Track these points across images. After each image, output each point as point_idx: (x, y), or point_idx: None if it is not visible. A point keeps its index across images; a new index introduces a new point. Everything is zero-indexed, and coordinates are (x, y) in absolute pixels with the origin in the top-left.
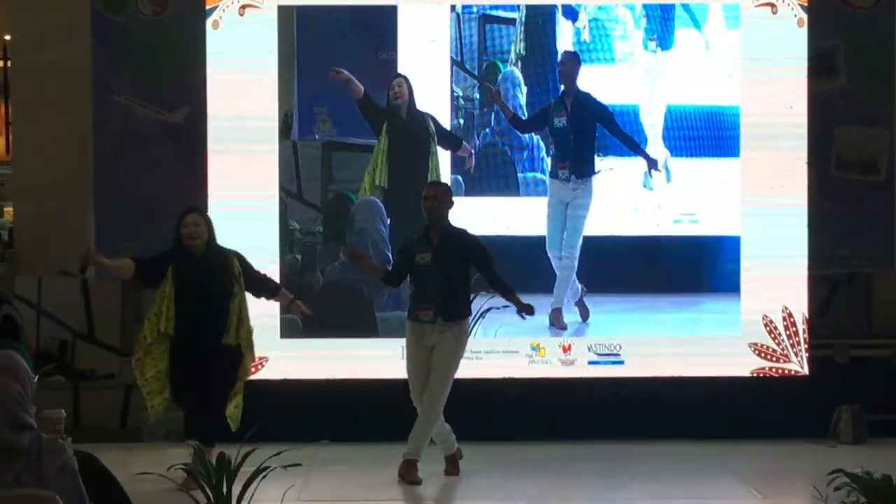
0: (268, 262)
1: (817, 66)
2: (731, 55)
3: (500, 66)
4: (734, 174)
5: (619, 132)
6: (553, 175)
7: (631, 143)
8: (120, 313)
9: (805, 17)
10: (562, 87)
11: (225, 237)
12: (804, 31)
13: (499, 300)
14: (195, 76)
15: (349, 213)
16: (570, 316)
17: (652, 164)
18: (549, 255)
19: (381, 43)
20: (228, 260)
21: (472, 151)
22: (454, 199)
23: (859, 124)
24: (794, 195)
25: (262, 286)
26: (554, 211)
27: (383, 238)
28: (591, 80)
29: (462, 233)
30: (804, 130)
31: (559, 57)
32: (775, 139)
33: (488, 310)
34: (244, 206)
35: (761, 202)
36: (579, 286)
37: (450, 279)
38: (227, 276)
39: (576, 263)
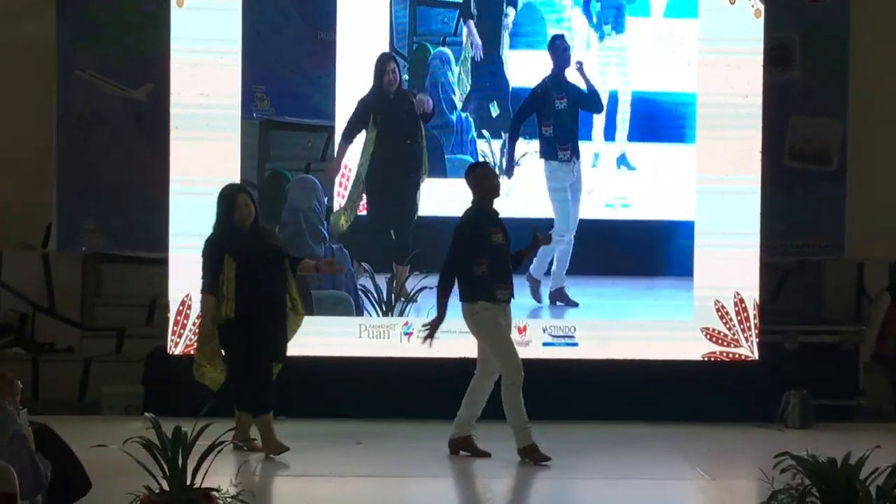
0: None
1: (773, 57)
2: (689, 44)
3: (430, 47)
4: (689, 160)
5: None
6: (551, 157)
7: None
8: (80, 288)
9: (762, 7)
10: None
11: (187, 216)
12: (761, 22)
13: (432, 280)
14: (159, 54)
15: (284, 190)
16: (524, 298)
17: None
18: (557, 237)
19: (320, 23)
20: (273, 233)
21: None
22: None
23: (813, 115)
24: (748, 183)
25: (290, 262)
26: (560, 194)
27: (317, 215)
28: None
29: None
30: (759, 120)
31: (555, 41)
32: (730, 128)
33: (421, 290)
34: (205, 188)
35: (716, 189)
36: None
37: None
38: (282, 248)
39: None
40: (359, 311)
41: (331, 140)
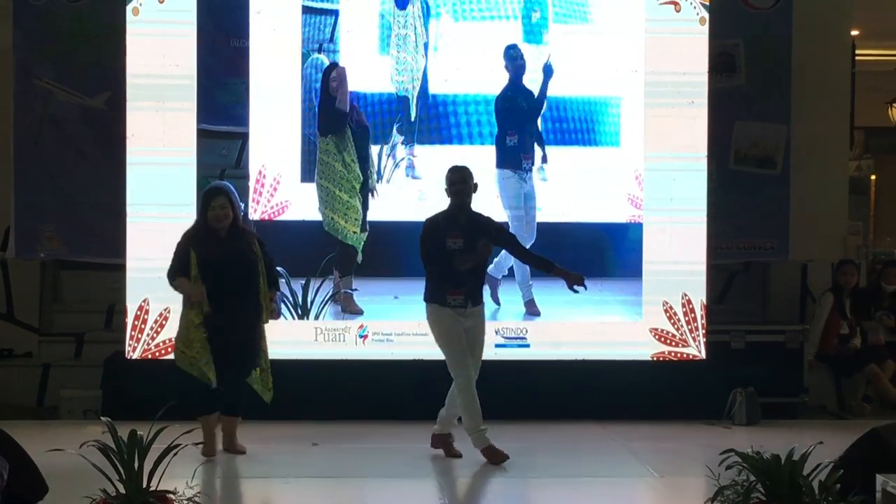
0: None
1: (718, 64)
2: (635, 50)
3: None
4: (631, 163)
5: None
6: (514, 167)
7: (539, 136)
8: (38, 294)
9: (707, 15)
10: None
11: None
12: (706, 30)
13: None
14: (116, 62)
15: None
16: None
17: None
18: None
19: (232, 30)
20: (251, 239)
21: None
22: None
23: (757, 120)
24: (694, 187)
25: (269, 275)
26: (517, 203)
27: None
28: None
29: (481, 216)
30: (704, 124)
31: (510, 52)
32: (678, 132)
33: (338, 292)
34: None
35: (663, 193)
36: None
37: (480, 264)
38: (253, 255)
39: None
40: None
41: (245, 146)
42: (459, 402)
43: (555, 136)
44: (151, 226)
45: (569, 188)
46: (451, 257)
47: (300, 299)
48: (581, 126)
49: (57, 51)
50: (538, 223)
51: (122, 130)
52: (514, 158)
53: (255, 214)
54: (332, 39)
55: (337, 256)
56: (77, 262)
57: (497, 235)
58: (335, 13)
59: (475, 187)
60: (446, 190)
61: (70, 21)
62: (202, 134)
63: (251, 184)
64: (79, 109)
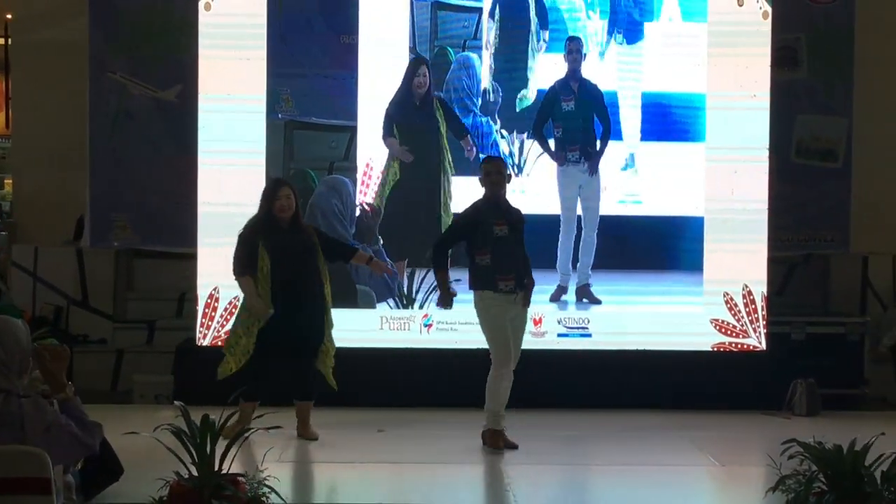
0: None
1: (780, 58)
2: (699, 45)
3: (450, 51)
4: (700, 158)
5: (606, 121)
6: (560, 160)
7: (606, 132)
8: (113, 282)
9: (769, 9)
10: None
11: (217, 213)
12: (768, 24)
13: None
14: (188, 55)
15: (312, 189)
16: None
17: (597, 155)
18: (563, 238)
19: (342, 27)
20: (310, 230)
21: (473, 146)
22: None
23: (819, 113)
24: (756, 179)
25: (341, 252)
26: (570, 194)
27: (335, 212)
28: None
29: (513, 206)
30: (766, 118)
31: (568, 44)
32: (739, 126)
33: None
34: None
35: (725, 185)
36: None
37: (522, 250)
38: (312, 244)
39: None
40: (378, 303)
41: (353, 140)
42: (491, 385)
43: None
44: (222, 215)
45: (644, 182)
46: (497, 243)
47: (405, 289)
48: (661, 122)
49: (130, 46)
50: (610, 216)
51: (194, 123)
52: (561, 150)
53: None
54: (475, 36)
55: None
56: (150, 251)
57: (522, 226)
58: (479, 10)
59: (509, 178)
60: (481, 180)
61: (143, 16)
62: (310, 127)
63: (359, 176)
64: (151, 103)
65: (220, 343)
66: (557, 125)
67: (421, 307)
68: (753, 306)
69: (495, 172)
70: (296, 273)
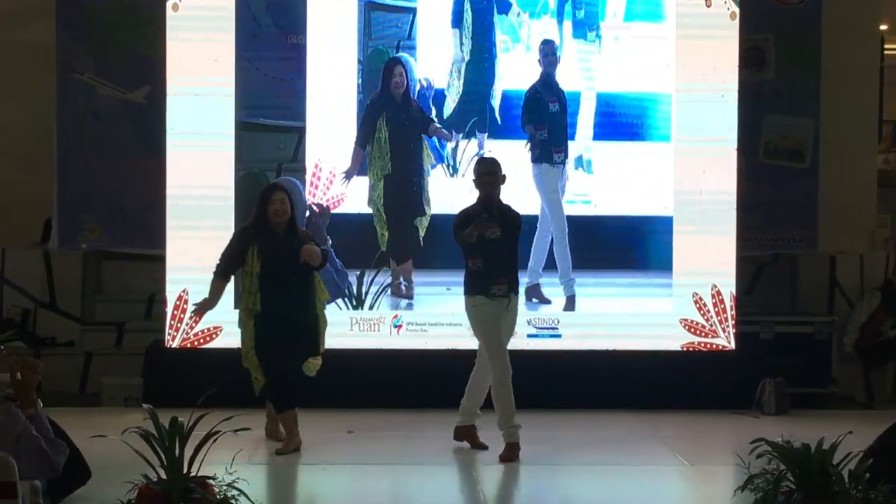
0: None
1: (748, 58)
2: (666, 46)
3: (384, 51)
4: (666, 158)
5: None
6: (547, 161)
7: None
8: (81, 284)
9: (737, 10)
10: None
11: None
12: (736, 24)
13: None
14: (156, 57)
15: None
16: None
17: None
18: (554, 238)
19: (291, 26)
20: (305, 237)
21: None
22: None
23: (787, 113)
24: (724, 179)
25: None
26: (554, 196)
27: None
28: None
29: (510, 207)
30: (735, 118)
31: (543, 47)
32: (708, 125)
33: (389, 285)
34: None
35: (693, 185)
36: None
37: (515, 253)
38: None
39: None
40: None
41: (302, 141)
42: (497, 396)
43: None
44: (190, 215)
45: (612, 182)
46: (489, 247)
47: (355, 290)
48: (626, 121)
49: (98, 46)
50: (578, 216)
51: (162, 124)
52: (546, 152)
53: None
54: (409, 37)
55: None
56: (118, 253)
57: (519, 229)
58: (412, 11)
59: (503, 179)
60: (475, 181)
61: (111, 17)
62: (258, 128)
63: (307, 177)
64: (119, 104)
65: (189, 345)
66: (542, 126)
67: (371, 308)
68: (722, 306)
69: (487, 173)
70: (288, 278)
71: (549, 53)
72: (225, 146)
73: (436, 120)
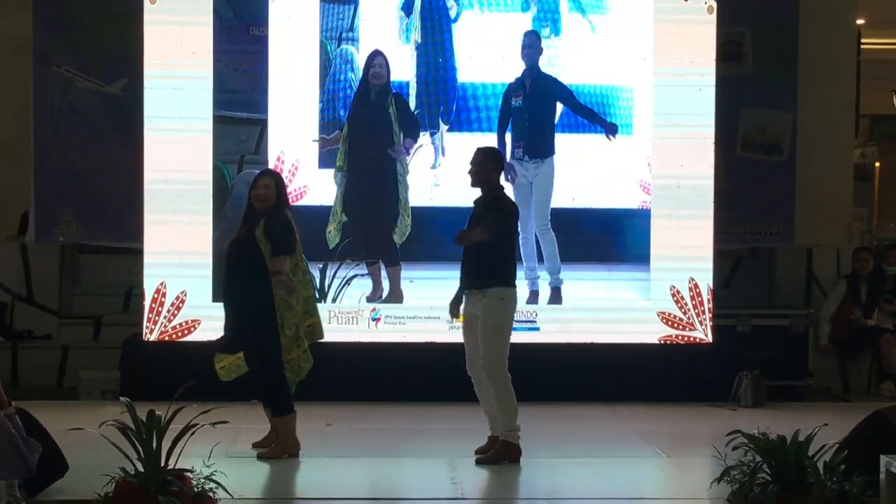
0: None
1: (725, 52)
2: (644, 39)
3: (327, 45)
4: (642, 150)
5: (580, 107)
6: (512, 156)
7: (590, 114)
8: (58, 277)
9: (714, 4)
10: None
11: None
12: (713, 18)
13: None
14: (133, 49)
15: (227, 183)
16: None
17: (610, 129)
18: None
19: (252, 19)
20: (275, 223)
21: (407, 149)
22: None
23: (764, 107)
24: (702, 173)
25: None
26: (520, 190)
27: None
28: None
29: (500, 200)
30: (712, 112)
31: (524, 39)
32: (685, 120)
33: (353, 277)
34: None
35: (671, 179)
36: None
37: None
38: (252, 238)
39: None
40: None
41: (264, 133)
42: (503, 400)
43: (568, 124)
44: (167, 209)
45: (582, 175)
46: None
47: (318, 283)
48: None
49: (75, 39)
50: (553, 209)
51: (140, 117)
52: (511, 146)
53: None
54: (351, 28)
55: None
56: (95, 246)
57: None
58: (355, 3)
59: (493, 169)
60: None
61: (88, 9)
62: (221, 120)
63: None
64: (97, 96)
65: (167, 338)
66: (506, 122)
67: (334, 301)
68: (700, 299)
69: (471, 163)
70: (231, 270)
71: (528, 45)
72: (202, 137)
73: (419, 121)
